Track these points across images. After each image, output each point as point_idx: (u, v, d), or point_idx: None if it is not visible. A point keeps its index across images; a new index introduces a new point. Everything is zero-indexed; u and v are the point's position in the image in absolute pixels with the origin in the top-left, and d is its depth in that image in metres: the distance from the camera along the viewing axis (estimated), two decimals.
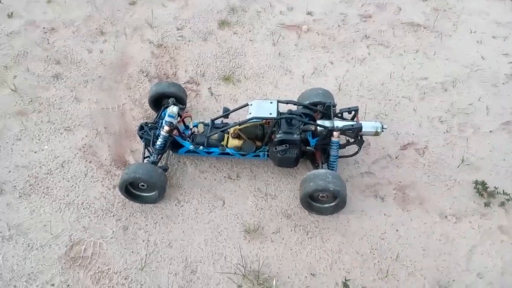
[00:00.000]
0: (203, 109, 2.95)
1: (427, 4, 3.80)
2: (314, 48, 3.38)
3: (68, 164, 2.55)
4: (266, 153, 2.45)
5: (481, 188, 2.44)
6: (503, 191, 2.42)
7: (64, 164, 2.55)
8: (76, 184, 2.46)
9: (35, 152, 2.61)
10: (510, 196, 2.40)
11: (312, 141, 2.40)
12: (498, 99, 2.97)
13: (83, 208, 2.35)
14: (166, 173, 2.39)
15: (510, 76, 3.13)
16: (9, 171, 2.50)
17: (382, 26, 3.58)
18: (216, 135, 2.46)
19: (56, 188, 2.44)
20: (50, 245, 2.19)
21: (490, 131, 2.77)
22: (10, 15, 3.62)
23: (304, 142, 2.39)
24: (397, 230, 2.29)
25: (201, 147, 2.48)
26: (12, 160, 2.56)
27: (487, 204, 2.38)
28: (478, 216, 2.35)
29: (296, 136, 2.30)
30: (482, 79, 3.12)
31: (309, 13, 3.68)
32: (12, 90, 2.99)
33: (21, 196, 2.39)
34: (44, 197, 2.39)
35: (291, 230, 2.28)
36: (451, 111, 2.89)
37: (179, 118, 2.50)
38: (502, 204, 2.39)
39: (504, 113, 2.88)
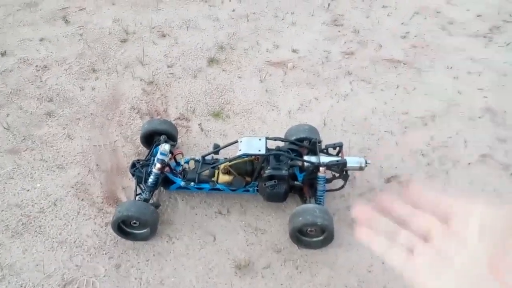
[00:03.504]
0: (193, 144, 3.04)
1: (405, 41, 4.01)
2: (300, 85, 3.53)
3: (60, 202, 2.59)
4: (255, 188, 2.53)
5: None
6: None
7: (56, 202, 2.59)
8: (69, 222, 2.49)
9: (28, 191, 2.65)
10: None
11: (300, 176, 2.49)
12: (475, 132, 3.13)
13: (76, 247, 2.37)
14: (157, 210, 2.44)
15: (485, 110, 3.30)
16: (2, 210, 2.53)
17: (364, 63, 3.76)
18: (207, 171, 2.54)
19: (48, 226, 2.46)
20: (42, 285, 2.20)
21: (469, 164, 2.91)
22: (3, 54, 3.70)
23: (292, 177, 2.48)
24: (383, 263, 2.36)
25: (192, 183, 2.55)
26: (4, 199, 2.59)
27: None
28: None
29: (284, 172, 2.39)
30: (460, 113, 3.28)
31: (294, 51, 3.85)
32: (4, 128, 3.05)
33: (13, 236, 2.41)
34: (36, 236, 2.41)
35: (281, 265, 2.34)
36: (432, 144, 3.03)
37: (170, 155, 2.58)
38: None
39: (481, 145, 3.03)
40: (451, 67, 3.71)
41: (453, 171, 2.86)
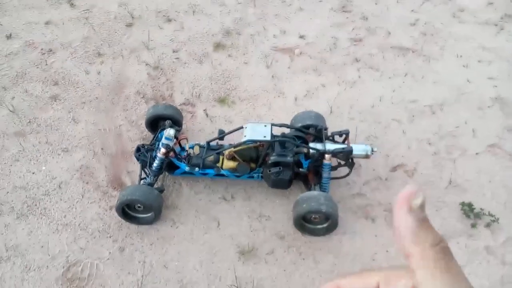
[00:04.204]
0: (198, 130, 3.02)
1: (415, 29, 3.94)
2: (306, 71, 3.48)
3: (65, 185, 2.60)
4: (260, 174, 2.52)
5: (468, 209, 2.52)
6: (489, 212, 2.51)
7: (61, 185, 2.60)
8: (73, 205, 2.50)
9: (33, 173, 2.65)
10: (495, 217, 2.48)
11: (305, 163, 2.47)
12: (484, 122, 3.08)
13: (80, 229, 2.39)
14: (162, 194, 2.44)
15: (495, 100, 3.25)
16: (7, 192, 2.54)
17: (372, 50, 3.70)
18: (211, 157, 2.53)
19: (53, 209, 2.48)
20: (47, 266, 2.22)
21: (477, 153, 2.87)
22: (9, 36, 3.69)
23: (297, 164, 2.46)
24: (387, 251, 2.35)
25: (196, 168, 2.54)
26: (10, 181, 2.60)
27: (473, 225, 2.46)
28: (466, 237, 2.42)
29: (289, 159, 2.37)
30: (468, 102, 3.23)
31: (301, 37, 3.80)
32: (10, 111, 3.05)
33: (19, 217, 2.42)
34: (41, 218, 2.42)
35: (285, 251, 2.34)
36: (439, 133, 2.99)
37: (175, 140, 2.57)
38: (488, 225, 2.47)
39: (490, 135, 2.99)
40: (461, 56, 3.64)
41: (460, 160, 2.83)
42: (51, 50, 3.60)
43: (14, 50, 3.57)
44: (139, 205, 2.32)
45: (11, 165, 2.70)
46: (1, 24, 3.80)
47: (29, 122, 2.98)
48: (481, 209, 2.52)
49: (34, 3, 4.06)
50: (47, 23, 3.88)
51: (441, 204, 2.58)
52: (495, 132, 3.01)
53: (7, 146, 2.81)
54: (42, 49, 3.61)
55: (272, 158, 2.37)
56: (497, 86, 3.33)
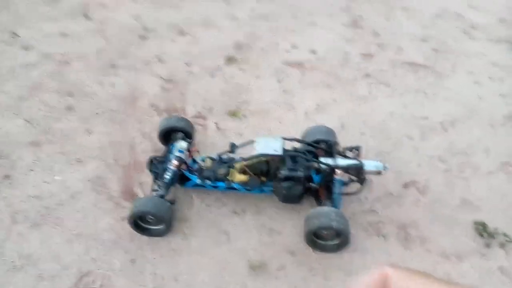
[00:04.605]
0: (210, 143, 3.04)
1: (426, 45, 3.95)
2: (317, 86, 3.51)
3: (78, 196, 2.62)
4: (271, 188, 2.53)
5: (481, 228, 2.50)
6: (503, 232, 2.48)
7: (74, 195, 2.63)
8: (86, 215, 2.52)
9: (47, 183, 2.69)
10: (510, 237, 2.46)
11: (316, 178, 2.48)
12: (496, 140, 3.07)
13: (92, 240, 2.41)
14: (173, 206, 2.46)
15: (507, 117, 3.24)
16: (21, 201, 2.58)
17: (383, 66, 3.72)
18: (222, 170, 2.54)
19: (66, 219, 2.50)
20: (60, 276, 2.24)
21: (489, 172, 2.86)
22: (26, 48, 3.77)
23: (308, 179, 2.47)
24: None
25: (208, 181, 2.56)
26: (24, 190, 2.63)
27: (487, 245, 2.44)
28: (479, 257, 2.40)
29: (300, 173, 2.38)
30: (480, 119, 3.22)
31: (312, 52, 3.83)
32: (26, 120, 3.10)
33: (32, 226, 2.45)
34: (54, 228, 2.45)
35: (295, 267, 2.33)
36: (451, 150, 2.98)
37: (187, 152, 2.60)
38: (502, 245, 2.44)
39: (502, 153, 2.97)
40: (472, 72, 3.64)
41: (473, 178, 2.81)
42: (66, 62, 3.67)
43: (31, 61, 3.64)
44: (151, 217, 2.34)
45: (26, 175, 2.73)
46: (19, 36, 3.89)
47: (44, 132, 3.03)
48: (495, 228, 2.49)
49: (51, 15, 4.15)
50: (63, 35, 3.96)
51: (453, 223, 2.56)
52: (508, 150, 2.99)
53: (22, 156, 2.85)
54: (58, 60, 3.68)
55: (283, 173, 2.38)
56: (509, 103, 3.33)
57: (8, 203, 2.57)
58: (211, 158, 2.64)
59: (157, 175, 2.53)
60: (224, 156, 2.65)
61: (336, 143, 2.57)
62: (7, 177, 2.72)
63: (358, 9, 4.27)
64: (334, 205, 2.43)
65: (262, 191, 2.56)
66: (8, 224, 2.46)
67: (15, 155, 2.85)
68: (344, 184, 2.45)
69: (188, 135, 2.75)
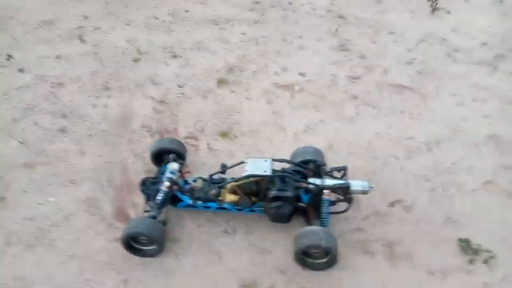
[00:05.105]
0: (201, 163, 3.11)
1: (411, 67, 4.08)
2: (306, 107, 3.60)
3: (72, 217, 2.66)
4: (261, 208, 2.59)
5: (465, 245, 2.57)
6: (487, 248, 2.56)
7: (68, 216, 2.66)
8: (80, 236, 2.56)
9: (41, 204, 2.72)
10: (493, 254, 2.53)
11: (305, 198, 2.55)
12: (480, 159, 3.17)
13: (86, 261, 2.43)
14: (164, 227, 2.50)
15: (490, 137, 3.35)
16: (15, 223, 2.60)
17: (370, 87, 3.83)
18: (214, 191, 2.60)
19: (60, 240, 2.53)
20: None
21: (473, 190, 2.95)
22: (21, 70, 3.83)
23: (297, 199, 2.54)
24: (386, 287, 2.39)
25: (199, 201, 2.61)
26: (18, 212, 2.66)
27: (471, 261, 2.51)
28: (463, 273, 2.47)
29: (289, 193, 2.45)
30: (464, 139, 3.33)
31: (301, 74, 3.94)
32: (20, 142, 3.14)
33: (26, 248, 2.47)
34: (48, 250, 2.47)
35: (285, 286, 2.37)
36: (436, 170, 3.08)
37: (179, 173, 2.66)
38: (485, 261, 2.51)
39: (485, 172, 3.07)
40: (456, 94, 3.77)
41: (457, 196, 2.90)
42: (60, 84, 3.73)
43: (25, 83, 3.69)
44: (143, 238, 2.38)
45: (20, 196, 2.77)
46: (14, 58, 3.95)
47: (38, 153, 3.07)
48: (478, 245, 2.57)
49: (46, 38, 4.22)
50: (57, 57, 4.03)
51: (438, 240, 2.63)
52: (491, 169, 3.09)
53: (17, 177, 2.88)
54: (52, 82, 3.74)
55: (273, 193, 2.45)
56: (491, 124, 3.44)
57: (2, 225, 2.60)
58: (203, 179, 2.70)
59: (149, 196, 2.58)
60: (215, 177, 2.71)
61: (323, 164, 2.66)
62: (1, 199, 2.75)
63: (346, 33, 4.40)
64: (323, 224, 2.49)
65: (252, 211, 2.62)
66: (1, 246, 2.48)
67: (9, 176, 2.89)
68: (332, 203, 2.52)
69: (180, 156, 2.81)
